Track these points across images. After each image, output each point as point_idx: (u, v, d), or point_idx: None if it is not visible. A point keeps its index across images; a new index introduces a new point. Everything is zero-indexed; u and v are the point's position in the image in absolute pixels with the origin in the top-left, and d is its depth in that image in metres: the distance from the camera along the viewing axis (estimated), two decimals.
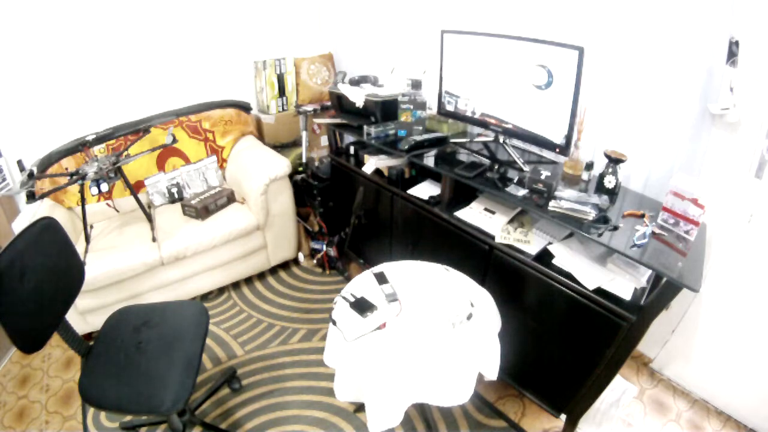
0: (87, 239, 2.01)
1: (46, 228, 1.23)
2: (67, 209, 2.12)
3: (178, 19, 2.36)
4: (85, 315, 1.92)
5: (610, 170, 1.44)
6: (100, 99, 2.27)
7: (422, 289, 1.39)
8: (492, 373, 1.29)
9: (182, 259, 2.04)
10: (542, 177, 1.42)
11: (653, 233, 1.25)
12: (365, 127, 1.94)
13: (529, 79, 1.49)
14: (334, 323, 1.28)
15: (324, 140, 2.88)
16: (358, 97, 2.01)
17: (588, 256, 1.38)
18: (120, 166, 1.94)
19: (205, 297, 2.33)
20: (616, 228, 1.28)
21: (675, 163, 1.46)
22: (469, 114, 1.77)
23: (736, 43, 1.22)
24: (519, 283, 1.46)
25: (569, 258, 1.37)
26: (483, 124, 1.74)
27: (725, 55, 1.25)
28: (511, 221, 1.57)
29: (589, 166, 1.55)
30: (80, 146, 1.99)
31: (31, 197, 1.79)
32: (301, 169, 2.56)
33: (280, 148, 2.69)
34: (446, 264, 1.51)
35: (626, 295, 1.24)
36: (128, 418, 1.66)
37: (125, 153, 2.08)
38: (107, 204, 2.22)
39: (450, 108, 1.84)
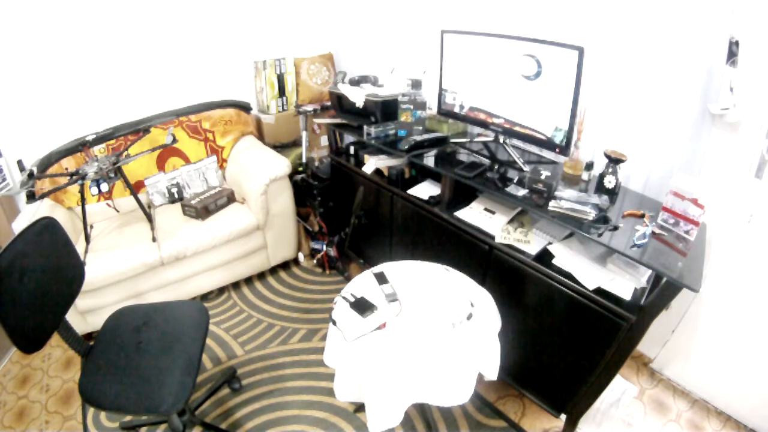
0: (87, 239, 2.01)
1: (46, 228, 1.23)
2: (67, 209, 2.12)
3: (178, 19, 2.36)
4: (85, 315, 1.92)
5: (610, 170, 1.44)
6: (100, 99, 2.27)
7: (422, 289, 1.39)
8: (492, 373, 1.29)
9: (182, 259, 2.04)
10: (542, 177, 1.42)
11: (653, 233, 1.25)
12: (365, 127, 1.94)
13: (520, 70, 1.50)
14: (334, 323, 1.28)
15: (324, 140, 2.88)
16: (358, 97, 2.01)
17: (588, 256, 1.38)
18: (120, 166, 1.94)
19: (205, 297, 2.33)
20: (616, 228, 1.28)
21: (675, 163, 1.46)
22: (466, 112, 1.77)
23: (736, 43, 1.22)
24: (519, 283, 1.46)
25: (569, 258, 1.37)
26: (483, 123, 1.74)
27: (725, 55, 1.25)
28: (511, 221, 1.57)
29: (589, 166, 1.55)
30: (80, 146, 1.99)
31: (31, 197, 1.79)
32: (301, 169, 2.56)
33: (280, 148, 2.69)
34: (446, 264, 1.51)
35: (626, 295, 1.24)
36: (128, 418, 1.66)
37: (125, 153, 2.08)
38: (107, 204, 2.22)
39: (447, 104, 1.84)
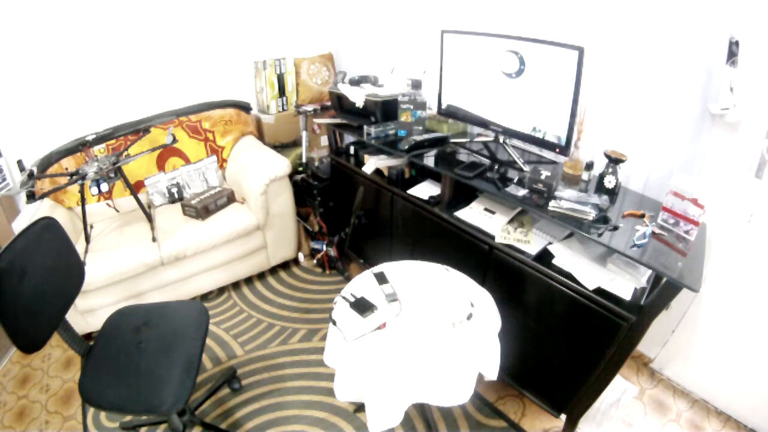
0: (87, 239, 2.01)
1: (46, 228, 1.23)
2: (67, 209, 2.12)
3: (178, 19, 2.36)
4: (85, 315, 1.92)
5: (610, 170, 1.44)
6: (100, 99, 2.27)
7: (422, 289, 1.39)
8: (492, 373, 1.29)
9: (182, 259, 2.04)
10: (542, 177, 1.42)
11: (653, 233, 1.25)
12: (365, 127, 1.94)
13: (500, 67, 1.54)
14: (334, 323, 1.28)
15: (324, 140, 2.88)
16: (358, 97, 2.01)
17: (588, 256, 1.38)
18: (120, 166, 1.94)
19: (205, 297, 2.33)
20: (616, 228, 1.28)
21: (675, 163, 1.46)
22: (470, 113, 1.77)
23: (736, 43, 1.22)
24: (519, 283, 1.46)
25: (569, 258, 1.37)
26: (483, 123, 1.74)
27: (725, 55, 1.25)
28: (511, 221, 1.57)
29: (589, 166, 1.55)
30: (80, 146, 1.99)
31: (31, 197, 1.79)
32: (301, 169, 2.56)
33: (280, 148, 2.69)
34: (446, 264, 1.51)
35: (626, 295, 1.24)
36: (128, 418, 1.66)
37: (125, 153, 2.08)
38: (107, 204, 2.22)
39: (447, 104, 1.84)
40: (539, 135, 1.53)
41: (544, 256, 1.41)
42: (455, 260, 1.58)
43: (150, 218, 2.11)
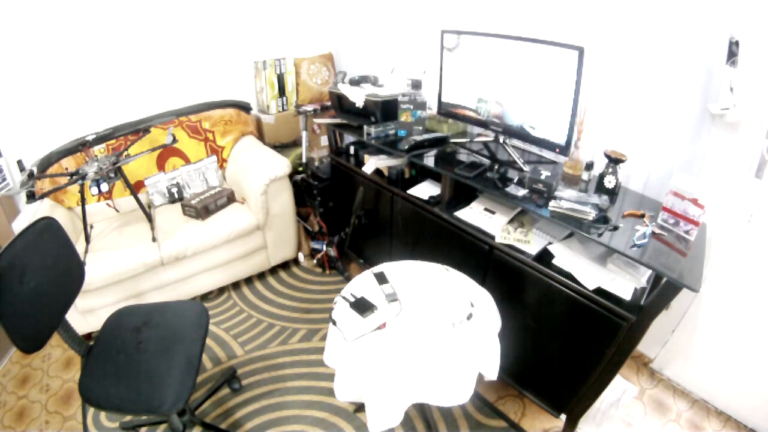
0: (87, 239, 2.01)
1: (46, 228, 1.23)
2: (67, 209, 2.12)
3: (178, 19, 2.36)
4: (85, 315, 1.92)
5: (610, 170, 1.44)
6: (100, 99, 2.27)
7: (422, 289, 1.39)
8: (492, 373, 1.29)
9: (182, 259, 2.04)
10: (542, 177, 1.42)
11: (653, 233, 1.25)
12: (365, 127, 1.94)
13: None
14: (334, 323, 1.28)
15: (324, 140, 2.88)
16: (358, 97, 2.01)
17: (588, 256, 1.38)
18: (120, 166, 1.94)
19: (205, 297, 2.33)
20: (616, 228, 1.28)
21: (675, 163, 1.46)
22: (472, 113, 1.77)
23: (736, 43, 1.22)
24: (519, 283, 1.46)
25: (569, 258, 1.37)
26: (483, 123, 1.73)
27: (725, 55, 1.25)
28: (511, 221, 1.57)
29: (589, 166, 1.55)
30: (80, 146, 1.99)
31: (31, 197, 1.79)
32: (301, 169, 2.56)
33: (280, 148, 2.69)
34: (446, 264, 1.51)
35: (626, 295, 1.24)
36: (128, 418, 1.66)
37: (125, 153, 2.08)
38: (107, 204, 2.22)
39: (448, 103, 1.84)
40: (539, 130, 1.51)
41: (544, 256, 1.41)
42: (455, 260, 1.58)
43: (150, 218, 2.11)
